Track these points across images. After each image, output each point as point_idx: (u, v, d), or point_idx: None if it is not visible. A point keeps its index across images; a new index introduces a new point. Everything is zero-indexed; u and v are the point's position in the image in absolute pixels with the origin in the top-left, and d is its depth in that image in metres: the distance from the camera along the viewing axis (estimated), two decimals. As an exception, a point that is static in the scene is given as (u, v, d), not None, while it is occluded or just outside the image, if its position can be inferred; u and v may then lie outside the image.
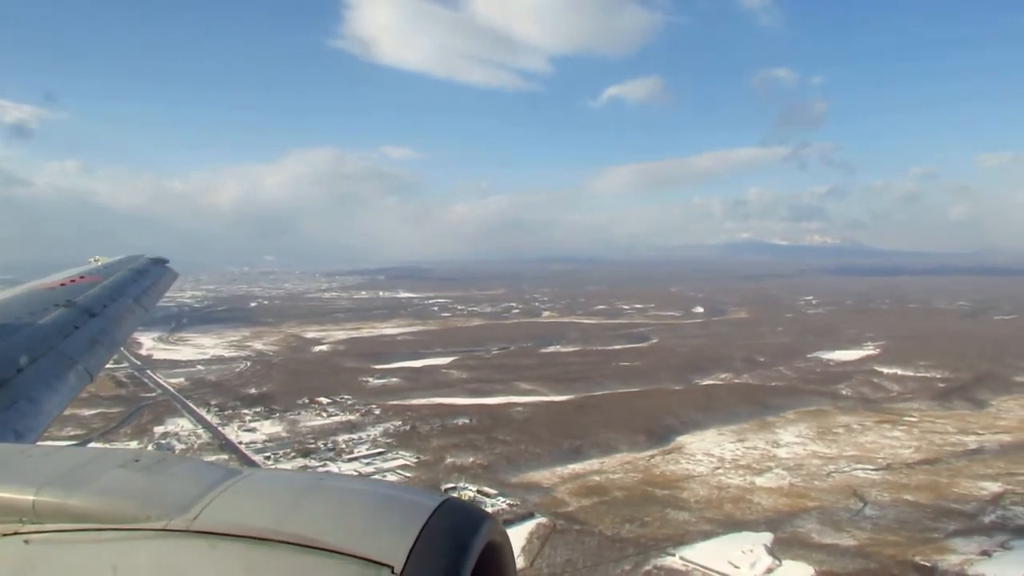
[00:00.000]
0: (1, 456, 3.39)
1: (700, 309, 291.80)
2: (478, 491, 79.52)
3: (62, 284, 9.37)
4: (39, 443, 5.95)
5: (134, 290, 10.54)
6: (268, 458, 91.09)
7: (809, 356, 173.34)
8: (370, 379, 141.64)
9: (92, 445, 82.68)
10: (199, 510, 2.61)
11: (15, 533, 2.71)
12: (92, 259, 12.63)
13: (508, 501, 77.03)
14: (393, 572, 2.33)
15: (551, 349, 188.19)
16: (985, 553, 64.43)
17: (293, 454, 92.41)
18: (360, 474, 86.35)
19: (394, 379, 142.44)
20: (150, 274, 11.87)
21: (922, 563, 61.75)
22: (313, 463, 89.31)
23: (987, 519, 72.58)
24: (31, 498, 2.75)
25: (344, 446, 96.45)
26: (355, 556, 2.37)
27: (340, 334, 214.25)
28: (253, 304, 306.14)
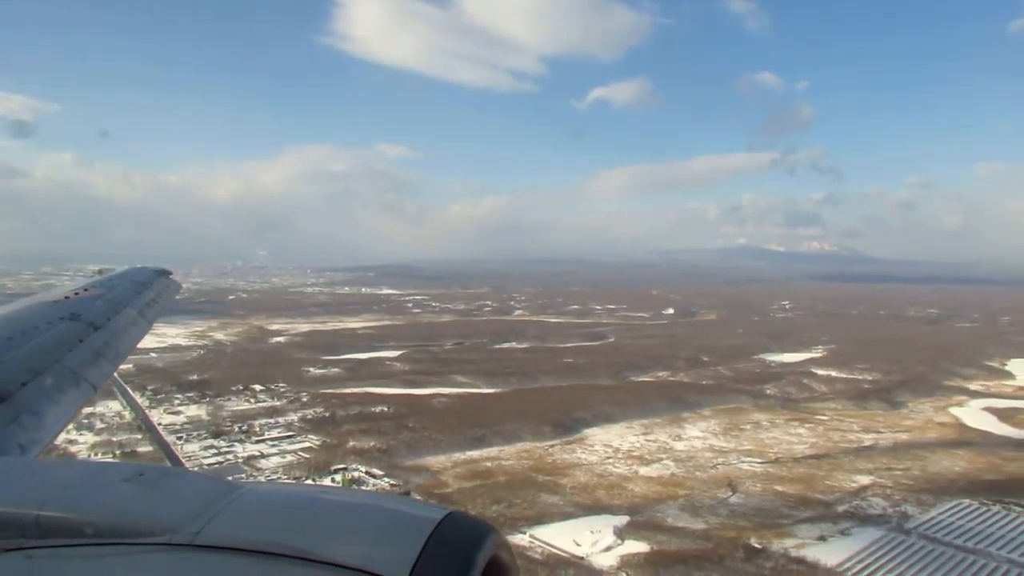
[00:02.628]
0: (4, 470, 3.41)
1: (671, 311, 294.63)
2: (366, 472, 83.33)
3: (66, 297, 9.41)
4: (42, 457, 6.05)
5: (137, 302, 10.60)
6: (180, 438, 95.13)
7: (755, 357, 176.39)
8: (312, 369, 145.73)
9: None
10: (203, 524, 2.62)
11: (18, 548, 2.69)
12: (96, 271, 12.88)
13: (391, 482, 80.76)
14: None
15: (504, 345, 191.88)
16: (822, 538, 67.53)
17: (205, 435, 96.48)
18: (263, 455, 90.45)
19: (335, 370, 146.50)
20: (153, 286, 11.92)
21: (755, 545, 64.96)
22: (221, 444, 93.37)
23: (841, 508, 75.62)
24: (34, 512, 2.74)
25: (258, 429, 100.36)
26: (359, 570, 2.37)
27: (304, 327, 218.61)
28: (231, 297, 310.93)
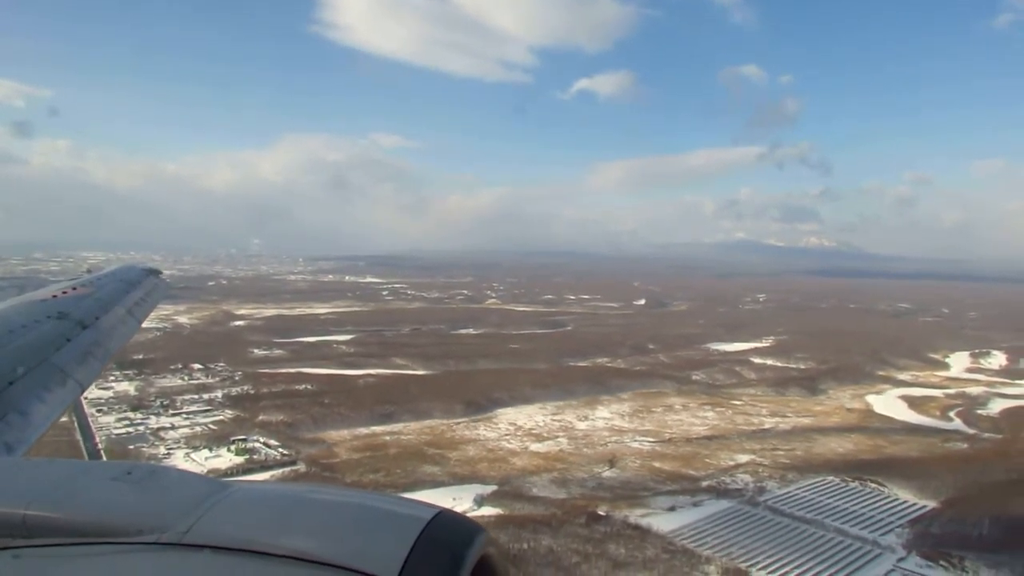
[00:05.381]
0: None
1: (642, 301, 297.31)
2: (263, 443, 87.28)
3: (54, 296, 9.39)
4: (30, 456, 5.92)
5: (126, 301, 10.60)
6: (100, 411, 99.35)
7: (701, 346, 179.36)
8: (257, 350, 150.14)
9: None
10: (191, 524, 2.63)
11: (5, 548, 2.69)
12: (85, 269, 13.01)
13: (283, 452, 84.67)
14: None
15: (460, 331, 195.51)
16: (672, 509, 70.86)
17: (125, 408, 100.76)
18: (173, 426, 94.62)
19: (279, 351, 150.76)
20: (143, 285, 11.95)
21: (599, 513, 68.32)
22: (137, 416, 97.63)
23: (706, 483, 78.88)
24: (21, 512, 2.75)
25: (178, 404, 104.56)
26: (349, 569, 2.36)
27: (270, 312, 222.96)
28: (211, 283, 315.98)
